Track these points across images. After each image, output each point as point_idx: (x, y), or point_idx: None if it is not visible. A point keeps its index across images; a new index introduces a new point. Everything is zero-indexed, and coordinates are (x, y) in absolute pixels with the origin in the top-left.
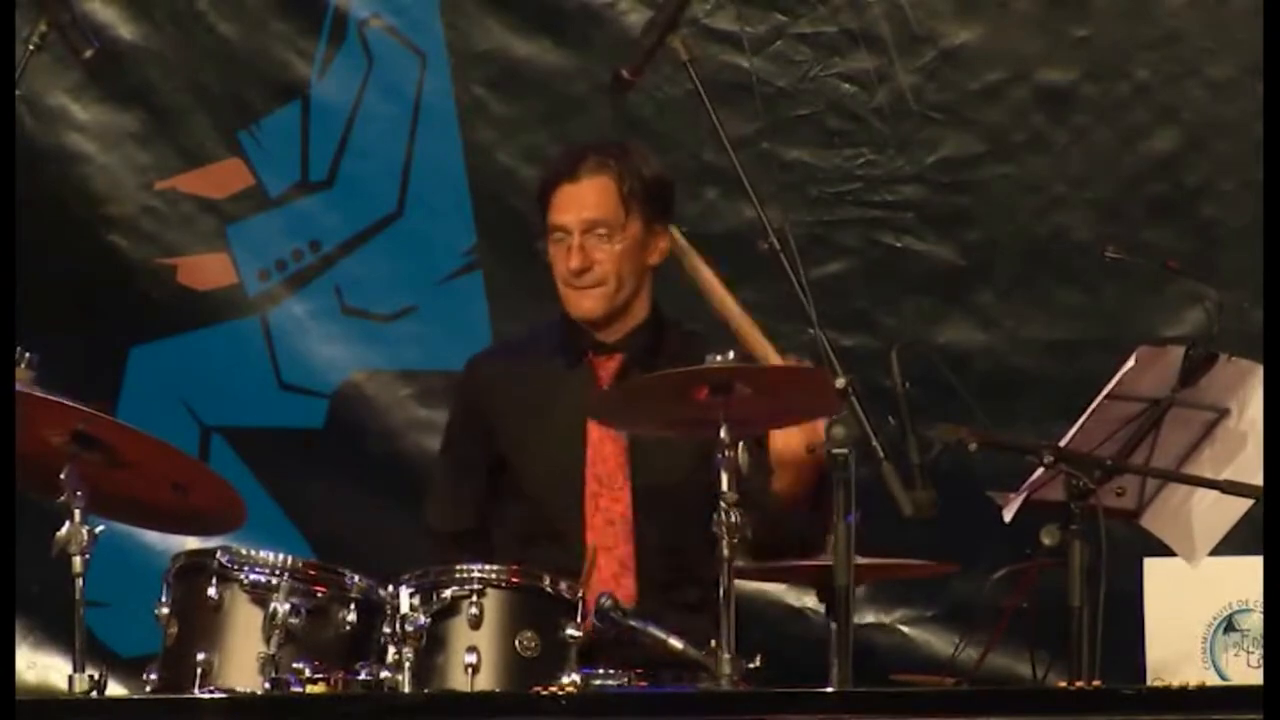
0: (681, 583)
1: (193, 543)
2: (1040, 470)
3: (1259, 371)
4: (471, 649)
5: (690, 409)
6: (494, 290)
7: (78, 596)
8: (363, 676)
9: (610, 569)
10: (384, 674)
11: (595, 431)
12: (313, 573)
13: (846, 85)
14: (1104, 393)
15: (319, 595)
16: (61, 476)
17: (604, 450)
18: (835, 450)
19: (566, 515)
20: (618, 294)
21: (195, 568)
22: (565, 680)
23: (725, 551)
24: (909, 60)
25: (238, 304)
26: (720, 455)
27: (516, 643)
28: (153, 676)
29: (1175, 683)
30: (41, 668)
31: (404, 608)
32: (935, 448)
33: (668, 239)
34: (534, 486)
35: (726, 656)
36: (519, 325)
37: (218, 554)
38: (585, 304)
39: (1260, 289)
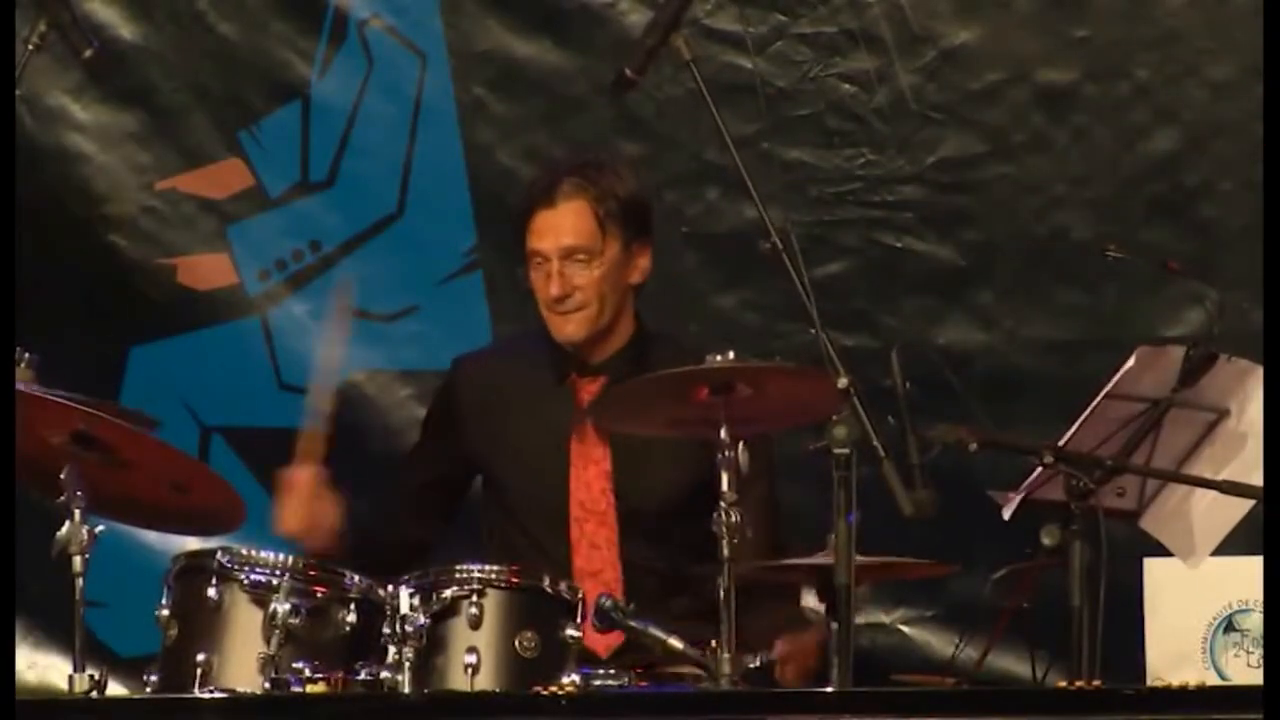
0: (670, 597)
1: (193, 543)
2: (1039, 469)
3: (1259, 372)
4: (471, 649)
5: (690, 409)
6: (494, 290)
7: (78, 596)
8: (363, 676)
9: (595, 589)
10: (384, 674)
11: (577, 456)
12: (313, 573)
13: (846, 85)
14: (1103, 393)
15: (319, 595)
16: (61, 476)
17: (586, 476)
18: (836, 450)
19: (552, 540)
20: (599, 317)
21: (195, 568)
22: (565, 680)
23: (725, 551)
24: (909, 60)
25: (238, 304)
26: (720, 455)
27: (516, 643)
28: (153, 678)
29: (1175, 683)
30: (41, 668)
31: (404, 608)
32: (935, 448)
33: (648, 257)
34: (517, 508)
35: (726, 656)
36: (519, 326)
37: (218, 554)
38: (568, 329)
39: (1260, 289)
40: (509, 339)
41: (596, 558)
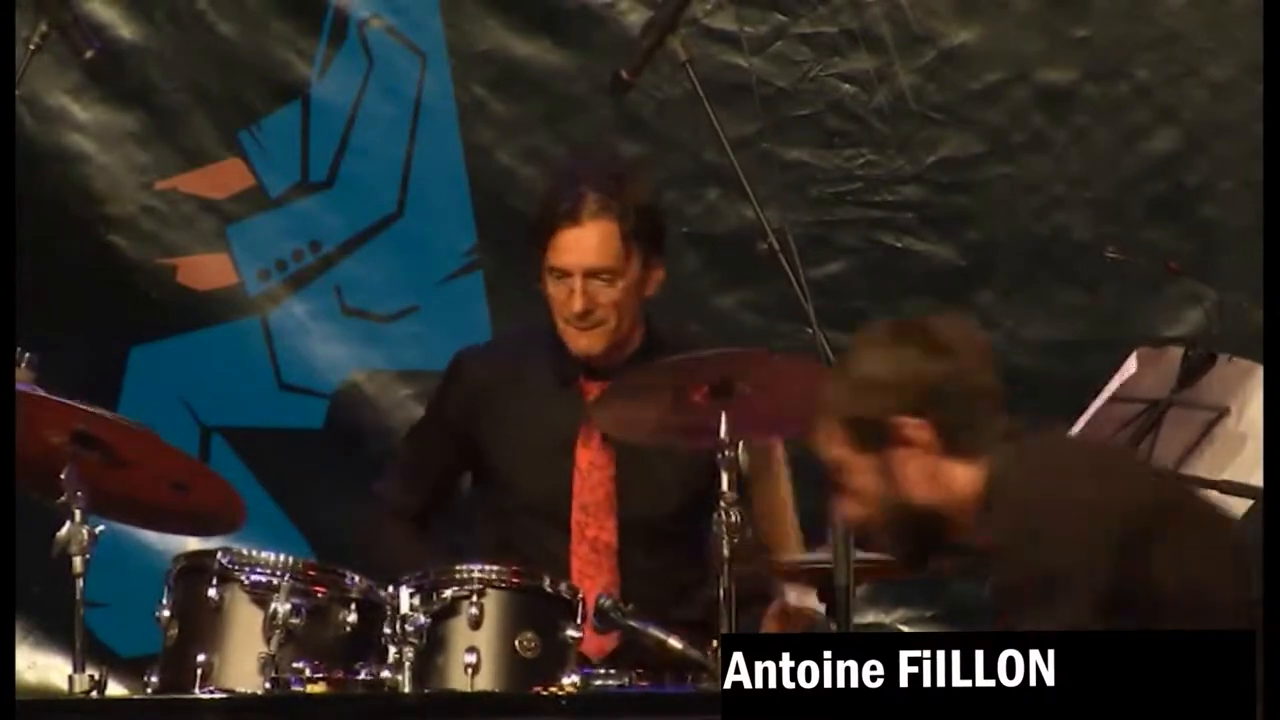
0: (667, 605)
1: (193, 543)
2: None
3: (1259, 371)
4: (471, 649)
5: (689, 410)
6: (494, 290)
7: (78, 596)
8: (363, 676)
9: (592, 595)
10: (384, 674)
11: (582, 460)
12: (313, 573)
13: (846, 85)
14: (1103, 393)
15: (319, 595)
16: (61, 476)
17: (591, 480)
18: None
19: (552, 541)
20: (618, 332)
21: (196, 569)
22: (565, 680)
23: (725, 551)
24: (909, 60)
25: (238, 304)
26: (720, 455)
27: (516, 643)
28: (153, 678)
29: None
30: (41, 668)
31: (404, 608)
32: None
33: (663, 270)
34: (519, 507)
35: None
36: (519, 326)
37: (218, 555)
38: (584, 342)
39: (1260, 289)
40: (512, 335)
41: (594, 560)
